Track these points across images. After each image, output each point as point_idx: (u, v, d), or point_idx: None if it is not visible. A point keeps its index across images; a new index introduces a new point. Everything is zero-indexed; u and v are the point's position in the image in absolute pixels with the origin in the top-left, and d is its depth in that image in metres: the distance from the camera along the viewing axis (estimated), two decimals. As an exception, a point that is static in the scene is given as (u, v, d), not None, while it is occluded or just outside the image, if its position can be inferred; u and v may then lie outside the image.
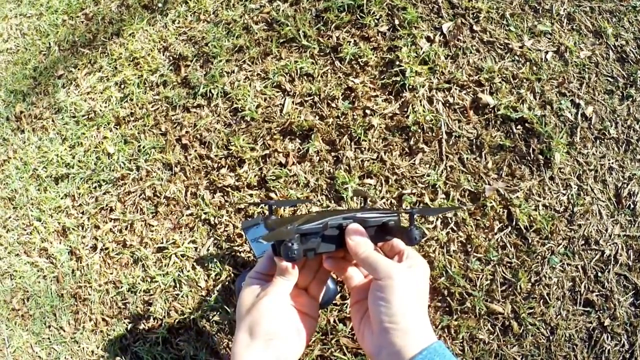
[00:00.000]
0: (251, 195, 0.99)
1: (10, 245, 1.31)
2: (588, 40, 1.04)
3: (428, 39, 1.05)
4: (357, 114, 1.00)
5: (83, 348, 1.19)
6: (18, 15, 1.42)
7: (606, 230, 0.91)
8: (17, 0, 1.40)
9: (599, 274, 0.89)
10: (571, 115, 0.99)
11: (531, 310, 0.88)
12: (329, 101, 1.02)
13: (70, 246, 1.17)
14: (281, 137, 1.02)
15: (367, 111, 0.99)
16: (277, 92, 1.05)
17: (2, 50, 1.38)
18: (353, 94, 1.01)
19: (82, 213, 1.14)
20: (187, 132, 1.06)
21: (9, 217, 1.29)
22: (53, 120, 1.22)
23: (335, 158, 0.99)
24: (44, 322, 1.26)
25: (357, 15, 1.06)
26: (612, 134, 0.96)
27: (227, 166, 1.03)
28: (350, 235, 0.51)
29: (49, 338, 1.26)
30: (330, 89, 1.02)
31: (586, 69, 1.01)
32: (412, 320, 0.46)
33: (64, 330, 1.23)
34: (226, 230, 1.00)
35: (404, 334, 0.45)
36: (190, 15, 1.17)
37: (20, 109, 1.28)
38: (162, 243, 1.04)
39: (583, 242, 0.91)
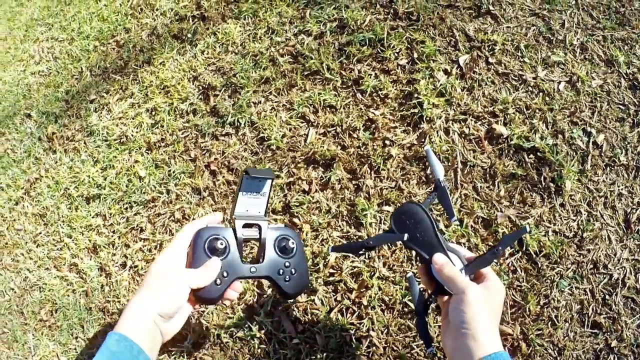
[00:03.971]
0: (276, 220, 1.08)
1: (40, 260, 1.41)
2: (600, 69, 1.09)
3: (445, 71, 1.13)
4: (377, 144, 1.09)
5: (109, 360, 1.27)
6: (50, 39, 1.52)
7: (615, 254, 0.95)
8: (48, 24, 1.50)
9: (607, 296, 0.93)
10: (582, 143, 1.03)
11: (539, 332, 0.93)
12: (351, 132, 1.11)
13: (100, 263, 1.26)
14: (305, 166, 1.11)
15: (387, 141, 1.08)
16: (302, 122, 1.14)
17: (35, 72, 1.48)
18: (373, 125, 1.10)
19: (113, 232, 1.24)
20: (215, 158, 1.16)
21: (40, 233, 1.39)
22: (85, 143, 1.32)
23: (355, 186, 1.08)
24: (71, 334, 1.36)
25: (378, 49, 1.15)
26: (622, 160, 1.01)
27: (253, 192, 1.12)
28: (435, 260, 0.69)
29: (75, 348, 1.35)
30: (352, 120, 1.11)
31: (598, 98, 1.06)
32: (482, 328, 0.60)
33: (91, 342, 1.32)
34: (251, 253, 1.09)
35: (474, 339, 0.59)
36: (219, 46, 1.26)
37: (52, 130, 1.38)
38: (190, 263, 1.13)
39: (592, 266, 0.95)
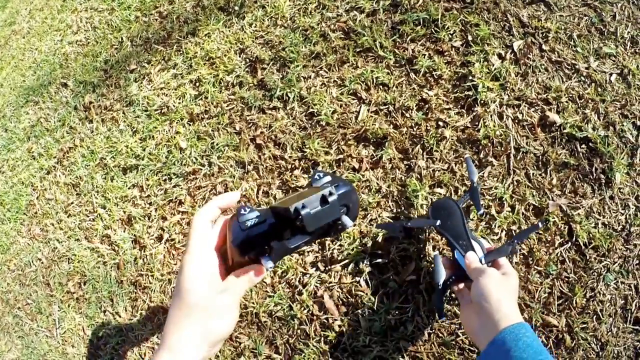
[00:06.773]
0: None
1: (70, 230, 1.38)
2: (651, 63, 1.09)
3: (499, 56, 1.10)
4: (430, 124, 1.05)
5: (137, 335, 1.24)
6: (88, 9, 1.49)
7: (662, 251, 0.95)
8: (87, -7, 1.47)
9: (652, 294, 0.92)
10: (632, 137, 1.02)
11: (584, 325, 0.92)
12: (404, 111, 1.08)
13: (134, 235, 1.23)
14: (355, 143, 1.08)
15: (440, 123, 1.05)
16: (353, 99, 1.11)
17: (72, 41, 1.45)
18: (427, 106, 1.07)
19: (150, 204, 1.21)
20: (261, 132, 1.13)
21: (72, 203, 1.36)
22: (124, 113, 1.29)
23: (407, 166, 1.05)
24: (99, 307, 1.33)
25: (432, 30, 1.12)
26: (671, 157, 0.99)
27: (300, 168, 1.09)
28: (468, 257, 0.80)
29: (102, 322, 1.33)
30: (405, 99, 1.08)
31: (649, 92, 1.06)
32: (503, 301, 0.66)
33: (120, 316, 1.29)
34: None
35: (497, 311, 0.65)
36: (267, 19, 1.23)
37: (89, 100, 1.35)
38: (230, 238, 1.10)
39: (638, 261, 0.94)
